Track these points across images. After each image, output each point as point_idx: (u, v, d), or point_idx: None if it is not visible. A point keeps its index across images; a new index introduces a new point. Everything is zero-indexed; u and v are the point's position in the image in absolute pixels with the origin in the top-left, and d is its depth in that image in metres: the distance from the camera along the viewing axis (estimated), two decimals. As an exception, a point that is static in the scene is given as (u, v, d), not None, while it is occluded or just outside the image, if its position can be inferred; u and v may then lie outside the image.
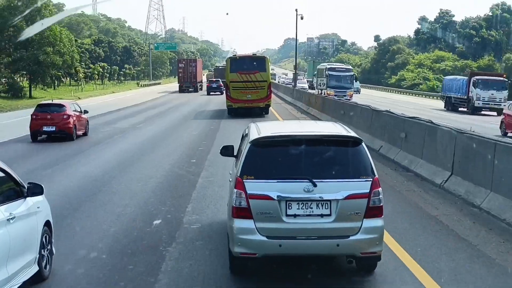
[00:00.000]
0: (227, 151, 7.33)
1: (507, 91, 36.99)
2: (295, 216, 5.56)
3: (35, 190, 5.82)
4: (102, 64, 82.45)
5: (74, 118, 18.50)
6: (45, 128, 18.14)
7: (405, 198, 9.85)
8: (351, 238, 5.58)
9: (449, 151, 10.46)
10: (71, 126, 18.19)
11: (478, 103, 36.35)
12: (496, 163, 8.63)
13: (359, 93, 63.76)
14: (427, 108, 40.61)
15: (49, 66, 46.66)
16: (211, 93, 55.82)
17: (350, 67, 47.34)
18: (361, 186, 5.61)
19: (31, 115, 18.49)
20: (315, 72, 76.47)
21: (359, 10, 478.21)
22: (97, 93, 59.38)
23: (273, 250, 5.64)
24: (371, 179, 5.64)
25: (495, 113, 34.01)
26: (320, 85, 41.16)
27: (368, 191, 5.60)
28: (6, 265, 4.97)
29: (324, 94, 38.88)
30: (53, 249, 6.22)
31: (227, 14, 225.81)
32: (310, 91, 45.63)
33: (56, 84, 63.62)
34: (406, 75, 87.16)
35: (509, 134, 21.95)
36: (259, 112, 28.05)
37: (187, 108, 35.50)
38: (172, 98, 50.81)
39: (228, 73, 28.44)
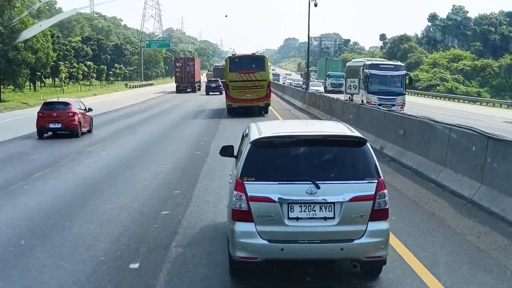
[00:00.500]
0: (226, 151, 7.39)
1: None
2: (297, 219, 5.59)
3: None
4: (88, 63, 78.70)
5: (79, 116, 20.00)
6: (51, 125, 19.60)
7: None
8: (355, 242, 5.61)
9: None
10: (76, 123, 19.69)
11: None
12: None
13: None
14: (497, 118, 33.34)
15: (20, 64, 42.31)
16: (210, 93, 56.16)
17: (400, 63, 34.53)
18: (366, 188, 5.63)
19: (38, 112, 19.98)
20: (328, 73, 68.19)
21: (360, 9, 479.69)
22: (75, 96, 48.63)
23: (275, 254, 5.66)
24: (377, 181, 5.67)
25: None
26: (351, 88, 27.78)
27: (373, 193, 5.63)
28: None
29: (360, 101, 28.33)
30: None
31: (226, 16, 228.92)
32: (327, 94, 36.65)
33: (35, 85, 59.90)
34: (421, 76, 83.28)
35: None
36: (259, 111, 29.27)
37: (183, 110, 35.78)
38: (165, 100, 48.95)
39: (228, 72, 29.38)
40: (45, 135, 19.89)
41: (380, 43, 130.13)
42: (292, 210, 5.60)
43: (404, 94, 31.45)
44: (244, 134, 6.92)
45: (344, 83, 57.09)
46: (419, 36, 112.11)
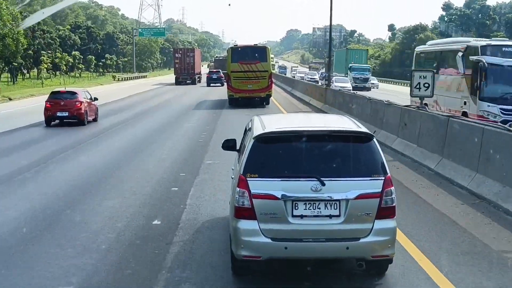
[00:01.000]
0: (228, 145, 7.46)
1: None
2: (302, 217, 5.62)
3: None
4: (74, 53, 73.89)
5: (86, 105, 21.62)
6: (58, 114, 21.21)
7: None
8: (361, 240, 5.65)
9: None
10: (83, 112, 21.29)
11: None
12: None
13: (377, 88, 56.75)
14: None
15: None
16: (211, 84, 56.49)
17: None
18: (373, 185, 5.66)
19: (46, 101, 21.52)
20: (351, 65, 59.44)
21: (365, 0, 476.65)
22: (45, 90, 39.21)
23: (279, 253, 5.70)
24: (383, 178, 5.69)
25: None
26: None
27: (380, 190, 5.65)
28: None
29: (451, 111, 17.66)
30: None
31: (229, 5, 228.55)
32: (366, 95, 25.04)
33: (16, 77, 55.41)
34: None
35: None
36: (260, 102, 30.47)
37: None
38: (156, 94, 46.41)
39: (230, 63, 30.63)
40: (52, 123, 21.41)
41: (389, 34, 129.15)
42: (297, 207, 5.64)
43: None
44: (247, 128, 6.95)
45: (368, 78, 51.73)
46: (430, 26, 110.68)
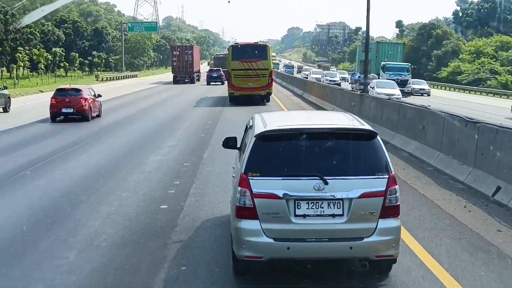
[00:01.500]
0: (229, 143, 7.50)
1: None
2: (304, 216, 5.68)
3: None
4: (54, 49, 68.21)
5: (90, 101, 23.05)
6: (63, 110, 22.57)
7: None
8: (365, 240, 5.71)
9: None
10: (87, 108, 22.70)
11: None
12: None
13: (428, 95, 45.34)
14: None
15: None
16: (211, 83, 56.72)
17: None
18: (376, 183, 5.72)
19: (51, 98, 22.93)
20: (384, 63, 48.81)
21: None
22: (19, 91, 40.31)
23: (281, 253, 5.75)
24: (387, 176, 5.75)
25: None
26: None
27: (384, 189, 5.71)
28: None
29: None
30: None
31: (228, 2, 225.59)
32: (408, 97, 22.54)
33: None
34: (464, 67, 72.66)
35: None
36: (261, 99, 31.56)
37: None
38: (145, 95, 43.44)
39: (230, 61, 31.51)
40: (57, 119, 22.68)
41: (396, 31, 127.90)
42: (299, 207, 5.70)
43: None
44: (248, 126, 7.00)
45: (407, 81, 38.28)
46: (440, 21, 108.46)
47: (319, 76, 57.89)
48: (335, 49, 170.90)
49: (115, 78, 70.95)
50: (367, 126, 6.23)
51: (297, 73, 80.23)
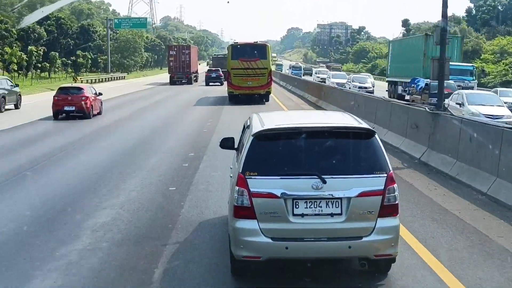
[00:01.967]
0: (227, 143, 7.62)
1: None
2: (302, 215, 5.77)
3: None
4: (30, 48, 59.82)
5: (91, 99, 24.30)
6: (65, 108, 23.80)
7: None
8: (364, 239, 5.80)
9: None
10: (89, 106, 23.94)
11: None
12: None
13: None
14: None
15: None
16: (210, 83, 56.75)
17: None
18: (375, 182, 5.82)
19: (54, 96, 24.25)
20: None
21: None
22: None
23: (279, 253, 5.84)
24: (386, 175, 5.85)
25: None
26: None
27: (382, 187, 5.81)
28: None
29: None
30: None
31: (228, 2, 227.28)
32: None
33: None
34: (488, 68, 64.85)
35: None
36: (260, 99, 32.52)
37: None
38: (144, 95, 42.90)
39: (230, 60, 32.44)
40: (59, 116, 23.85)
41: (403, 30, 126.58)
42: (297, 206, 5.79)
43: None
44: (246, 126, 7.10)
45: (472, 88, 26.39)
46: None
47: (343, 81, 46.59)
48: (337, 49, 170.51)
49: (97, 81, 62.71)
50: (365, 125, 6.32)
51: (303, 75, 75.23)
